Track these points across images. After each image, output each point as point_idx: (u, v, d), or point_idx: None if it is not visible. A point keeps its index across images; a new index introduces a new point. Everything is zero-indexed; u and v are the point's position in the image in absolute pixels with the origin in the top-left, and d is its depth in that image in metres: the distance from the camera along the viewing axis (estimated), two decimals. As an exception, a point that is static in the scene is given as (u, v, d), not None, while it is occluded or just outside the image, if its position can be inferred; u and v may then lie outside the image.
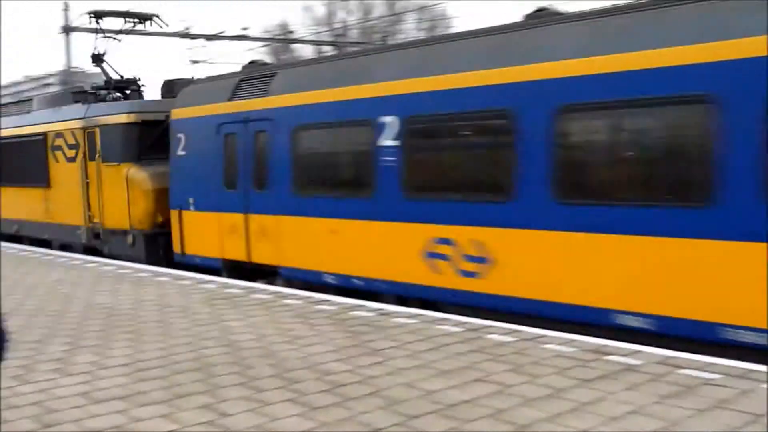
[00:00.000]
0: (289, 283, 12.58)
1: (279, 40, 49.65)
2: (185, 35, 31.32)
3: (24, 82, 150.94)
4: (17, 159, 20.50)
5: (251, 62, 15.38)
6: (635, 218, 8.37)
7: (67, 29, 29.42)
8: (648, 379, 6.46)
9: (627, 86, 8.43)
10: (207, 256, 14.45)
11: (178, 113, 15.32)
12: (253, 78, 13.87)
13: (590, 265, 8.79)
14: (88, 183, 17.53)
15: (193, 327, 8.98)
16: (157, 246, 15.77)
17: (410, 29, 56.34)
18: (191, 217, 14.83)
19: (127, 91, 18.92)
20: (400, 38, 54.47)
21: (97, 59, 19.32)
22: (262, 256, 13.21)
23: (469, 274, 9.99)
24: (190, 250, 14.89)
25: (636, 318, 8.39)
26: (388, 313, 9.49)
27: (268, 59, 54.03)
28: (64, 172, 18.44)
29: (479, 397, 6.12)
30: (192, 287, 11.76)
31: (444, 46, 10.96)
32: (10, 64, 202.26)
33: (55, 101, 20.03)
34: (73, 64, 34.58)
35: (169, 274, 13.28)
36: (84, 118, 17.66)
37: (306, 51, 54.69)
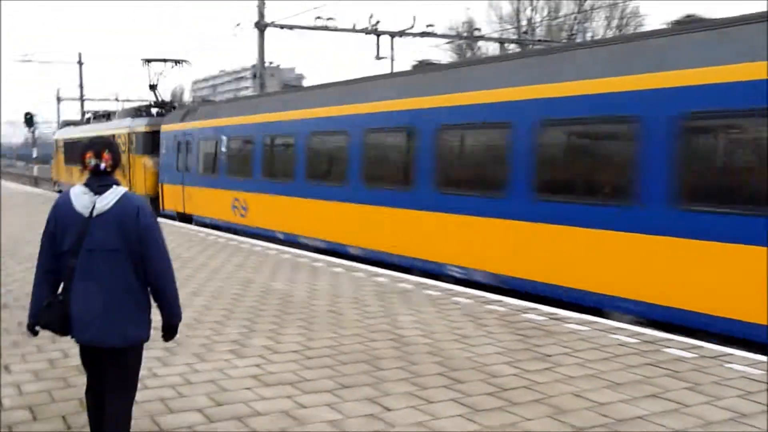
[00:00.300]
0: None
1: (464, 38, 49.67)
2: (371, 31, 31.92)
3: (219, 75, 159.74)
4: None
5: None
6: None
7: (261, 25, 30.71)
8: None
9: None
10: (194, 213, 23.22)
11: (164, 128, 25.12)
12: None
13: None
14: (128, 167, 26.68)
15: (363, 319, 9.08)
16: (155, 204, 24.85)
17: (598, 27, 54.73)
18: (167, 188, 25.01)
19: (163, 109, 27.91)
20: (588, 37, 53.04)
21: (153, 87, 28.79)
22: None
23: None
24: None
25: None
26: (560, 318, 9.21)
27: (451, 57, 54.22)
28: None
29: (652, 414, 5.78)
30: (365, 280, 11.93)
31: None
32: (207, 59, 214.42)
33: (122, 115, 29.80)
34: (267, 59, 36.09)
35: (343, 265, 13.53)
36: (128, 127, 27.11)
37: (491, 49, 54.40)
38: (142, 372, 6.68)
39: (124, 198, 4.48)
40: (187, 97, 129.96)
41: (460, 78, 13.20)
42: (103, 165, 4.49)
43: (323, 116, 16.45)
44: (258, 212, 18.98)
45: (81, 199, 4.44)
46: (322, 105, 16.73)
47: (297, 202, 17.23)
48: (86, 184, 4.49)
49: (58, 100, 67.04)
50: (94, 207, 4.41)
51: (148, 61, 27.91)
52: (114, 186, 4.50)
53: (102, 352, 4.50)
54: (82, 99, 56.73)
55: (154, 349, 7.21)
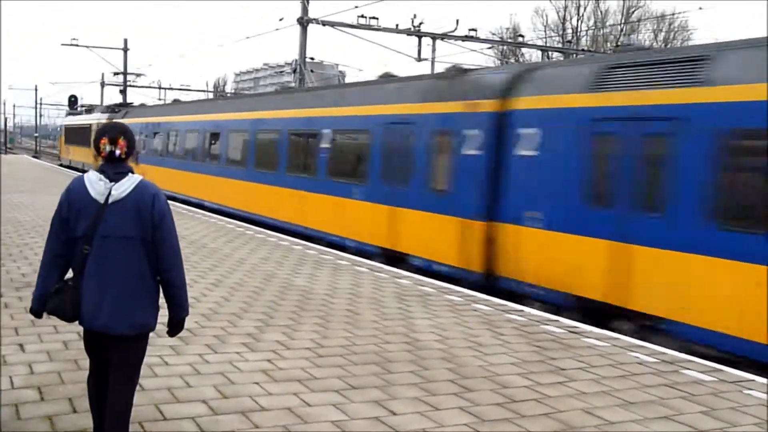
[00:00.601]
0: None
1: (506, 43, 49.39)
2: (414, 32, 31.84)
3: (262, 69, 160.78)
4: (80, 137, 42.58)
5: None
6: None
7: (303, 21, 30.77)
8: None
9: None
10: None
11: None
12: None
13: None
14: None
15: (380, 320, 9.03)
16: None
17: (644, 39, 54.09)
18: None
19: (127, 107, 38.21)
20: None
21: (122, 92, 39.97)
22: None
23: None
24: None
25: None
26: (580, 332, 9.07)
27: (494, 63, 53.97)
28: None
29: (663, 437, 5.66)
30: (387, 280, 11.87)
31: None
32: (252, 51, 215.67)
33: (98, 110, 40.38)
34: (309, 55, 36.16)
35: (368, 264, 13.50)
36: (97, 119, 35.29)
37: (534, 56, 54.04)
38: (153, 360, 6.75)
39: (140, 185, 4.46)
40: (229, 88, 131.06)
41: (345, 95, 18.30)
42: (118, 152, 4.47)
43: (237, 119, 23.34)
44: (174, 183, 27.75)
45: (97, 185, 4.42)
46: (232, 110, 24.44)
47: (218, 180, 24.08)
48: (101, 170, 4.47)
49: (102, 85, 67.91)
50: (109, 194, 4.40)
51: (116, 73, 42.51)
52: (129, 174, 4.49)
53: (109, 340, 4.48)
54: (125, 85, 57.38)
55: (167, 338, 7.20)
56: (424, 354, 7.64)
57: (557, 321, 9.65)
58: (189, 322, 8.22)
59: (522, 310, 10.21)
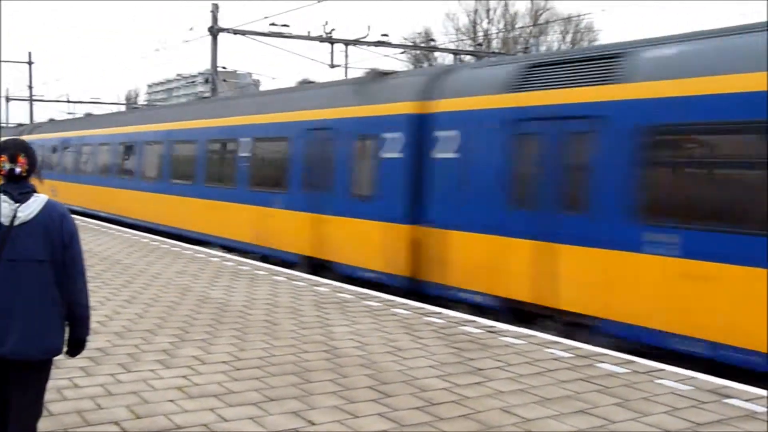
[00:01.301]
0: None
1: (418, 48, 49.81)
2: (326, 39, 31.80)
3: (175, 80, 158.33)
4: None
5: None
6: None
7: (214, 31, 30.42)
8: (770, 428, 5.89)
9: None
10: None
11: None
12: None
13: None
14: None
15: (298, 329, 8.95)
16: None
17: (552, 41, 55.32)
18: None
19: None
20: (542, 49, 53.55)
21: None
22: None
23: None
24: None
25: None
26: (497, 331, 9.17)
27: (407, 67, 54.34)
28: None
29: (578, 431, 5.74)
30: (305, 289, 11.79)
31: None
32: (165, 62, 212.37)
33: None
34: (222, 64, 35.74)
35: (286, 273, 13.38)
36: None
37: (446, 60, 54.63)
38: (62, 383, 6.54)
39: (48, 206, 4.30)
40: (141, 100, 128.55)
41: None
42: (18, 169, 4.29)
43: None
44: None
45: (2, 207, 4.23)
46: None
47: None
48: (4, 191, 4.27)
49: (7, 99, 65.76)
50: (15, 215, 4.22)
51: None
52: (35, 194, 4.32)
53: (11, 366, 4.29)
54: (31, 99, 55.64)
55: (77, 359, 6.97)
56: (342, 361, 7.60)
57: (475, 322, 9.74)
58: (101, 341, 8.07)
59: (440, 313, 10.27)
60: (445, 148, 11.90)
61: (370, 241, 13.23)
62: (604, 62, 9.91)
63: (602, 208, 9.47)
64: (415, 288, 12.29)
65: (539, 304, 10.24)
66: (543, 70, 10.78)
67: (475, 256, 11.26)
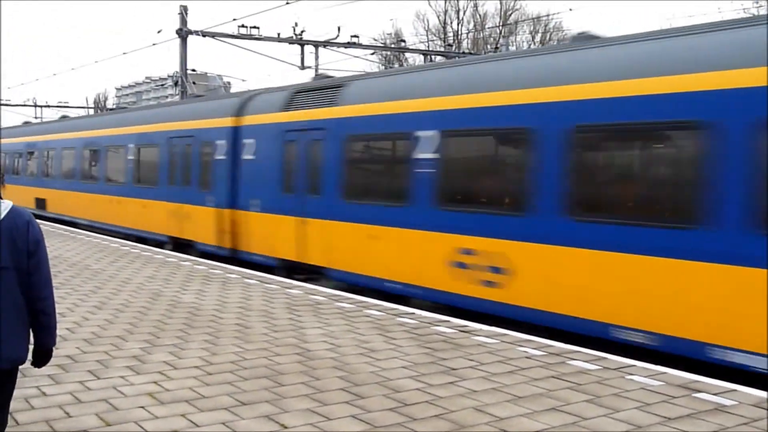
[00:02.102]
0: None
1: (388, 49, 49.82)
2: (296, 41, 31.71)
3: (144, 82, 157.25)
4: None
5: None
6: None
7: (183, 33, 30.20)
8: (740, 422, 5.95)
9: None
10: None
11: None
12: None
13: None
14: None
15: (270, 333, 8.90)
16: None
17: (522, 41, 55.60)
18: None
19: None
20: (512, 49, 53.77)
21: None
22: None
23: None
24: None
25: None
26: (470, 331, 9.19)
27: (378, 68, 54.35)
28: None
29: (550, 429, 5.77)
30: (278, 291, 11.74)
31: None
32: (134, 65, 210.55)
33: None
34: (191, 67, 35.48)
35: (258, 276, 13.33)
36: None
37: (417, 60, 54.65)
38: (30, 391, 6.45)
39: (13, 212, 4.23)
40: (110, 104, 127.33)
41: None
42: None
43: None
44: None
45: None
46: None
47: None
48: None
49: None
50: None
51: None
52: (1, 199, 4.25)
53: None
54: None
55: (45, 367, 6.88)
56: (315, 364, 7.57)
57: (448, 321, 9.75)
58: (70, 348, 7.97)
59: (413, 313, 10.27)
60: (248, 151, 16.21)
61: (208, 222, 17.49)
62: (331, 91, 14.20)
63: (327, 192, 13.60)
64: (233, 256, 16.45)
65: (298, 261, 14.31)
66: (301, 96, 14.98)
67: (264, 230, 15.49)
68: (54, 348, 4.45)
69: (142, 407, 6.18)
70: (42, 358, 4.43)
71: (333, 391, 6.69)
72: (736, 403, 6.42)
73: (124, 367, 7.40)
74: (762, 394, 6.70)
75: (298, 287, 12.22)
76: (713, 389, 6.81)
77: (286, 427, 5.75)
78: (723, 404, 6.38)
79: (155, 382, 6.88)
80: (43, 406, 6.16)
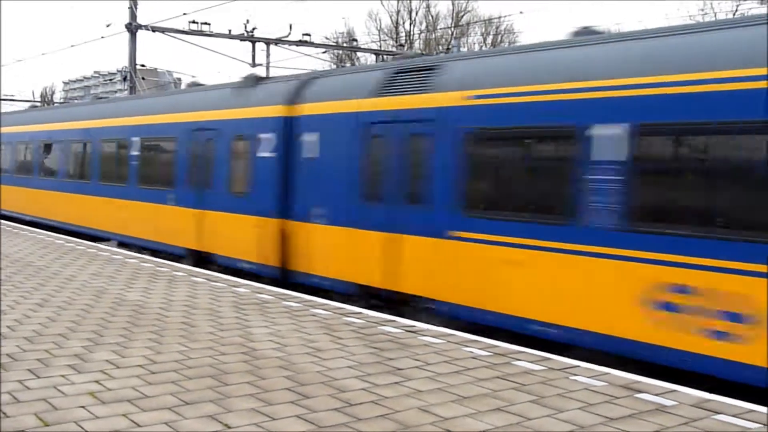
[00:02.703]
0: None
1: (340, 48, 49.78)
2: (247, 38, 31.50)
3: (93, 77, 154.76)
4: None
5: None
6: None
7: (132, 28, 29.78)
8: (680, 422, 6.06)
9: None
10: None
11: None
12: None
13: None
14: None
15: (216, 331, 8.82)
16: None
17: (474, 43, 55.97)
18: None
19: None
20: (463, 51, 54.14)
21: None
22: None
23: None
24: None
25: None
26: (416, 331, 9.22)
27: (330, 67, 54.27)
28: None
29: (494, 429, 5.81)
30: (224, 290, 11.64)
31: None
32: (82, 59, 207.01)
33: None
34: (141, 62, 35.02)
35: (205, 275, 13.19)
36: None
37: (369, 60, 54.70)
38: (-35, 390, 6.27)
39: None
40: (57, 98, 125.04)
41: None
42: None
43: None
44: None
45: None
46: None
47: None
48: None
49: None
50: None
51: None
52: None
53: None
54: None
55: (-18, 365, 6.75)
56: (261, 363, 7.52)
57: (395, 321, 9.77)
58: (10, 346, 7.80)
59: (360, 313, 10.27)
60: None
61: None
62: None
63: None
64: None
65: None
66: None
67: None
68: None
69: (83, 407, 6.07)
70: None
71: (278, 390, 6.65)
72: (677, 403, 6.55)
73: (66, 365, 7.26)
74: (702, 394, 6.84)
75: (245, 286, 12.12)
76: (654, 390, 6.93)
77: (229, 427, 5.70)
78: (664, 404, 6.50)
79: (97, 381, 6.77)
80: (-21, 406, 6.01)
